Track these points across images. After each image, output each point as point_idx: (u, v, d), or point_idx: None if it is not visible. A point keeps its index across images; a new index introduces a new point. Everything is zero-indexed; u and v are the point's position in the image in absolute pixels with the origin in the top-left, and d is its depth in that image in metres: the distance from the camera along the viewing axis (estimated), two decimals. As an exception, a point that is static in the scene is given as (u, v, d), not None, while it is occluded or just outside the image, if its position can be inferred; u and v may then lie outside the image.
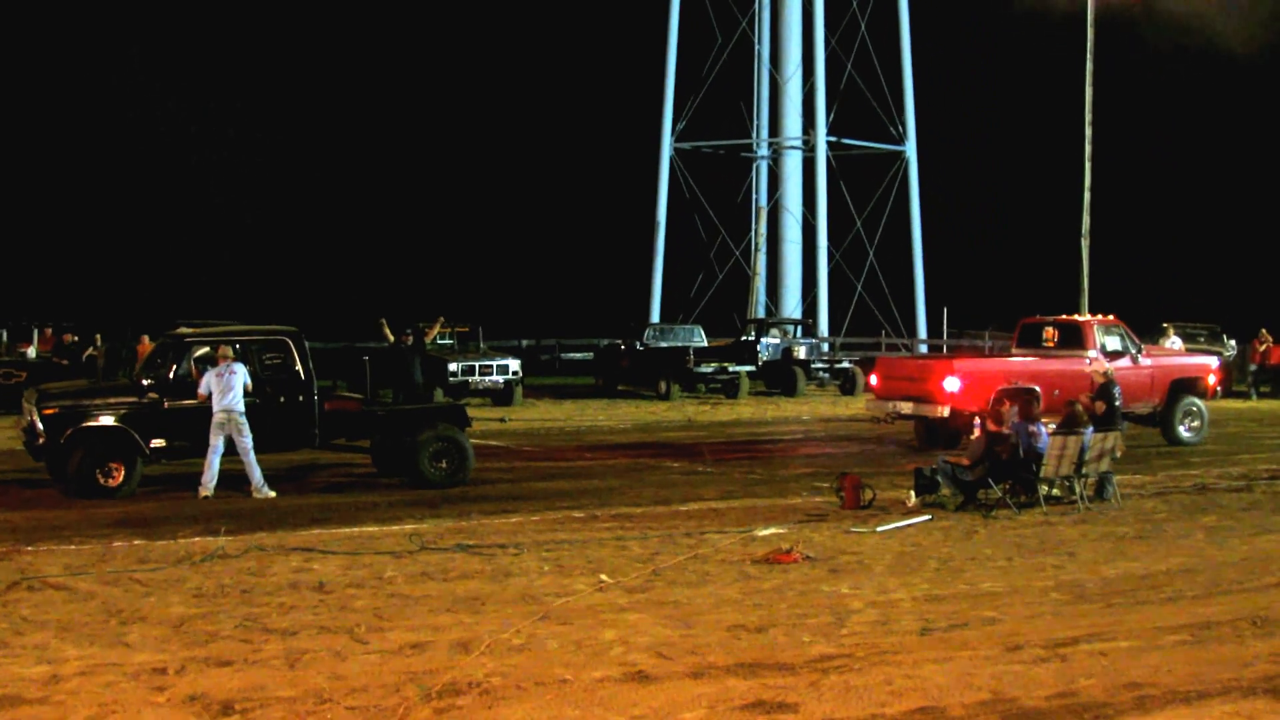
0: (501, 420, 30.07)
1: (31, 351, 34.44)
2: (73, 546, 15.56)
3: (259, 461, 20.02)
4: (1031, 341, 28.98)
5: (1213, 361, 30.28)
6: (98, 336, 34.37)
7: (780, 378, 43.22)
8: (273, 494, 19.93)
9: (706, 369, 41.08)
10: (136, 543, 15.83)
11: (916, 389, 26.65)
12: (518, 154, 70.62)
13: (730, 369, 41.20)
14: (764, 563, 14.72)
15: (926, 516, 17.92)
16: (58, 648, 10.99)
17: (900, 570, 14.48)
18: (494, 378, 36.65)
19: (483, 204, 70.14)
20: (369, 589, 13.30)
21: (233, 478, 20.07)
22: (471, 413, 23.02)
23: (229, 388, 19.66)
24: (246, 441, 19.77)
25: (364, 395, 23.96)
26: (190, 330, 20.96)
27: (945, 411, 25.83)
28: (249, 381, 19.90)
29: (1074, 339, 28.04)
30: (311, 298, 56.79)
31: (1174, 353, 32.31)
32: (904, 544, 16.11)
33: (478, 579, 13.84)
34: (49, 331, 35.20)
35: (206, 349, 20.41)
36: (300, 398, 20.82)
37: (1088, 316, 29.97)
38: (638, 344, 42.51)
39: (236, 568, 14.29)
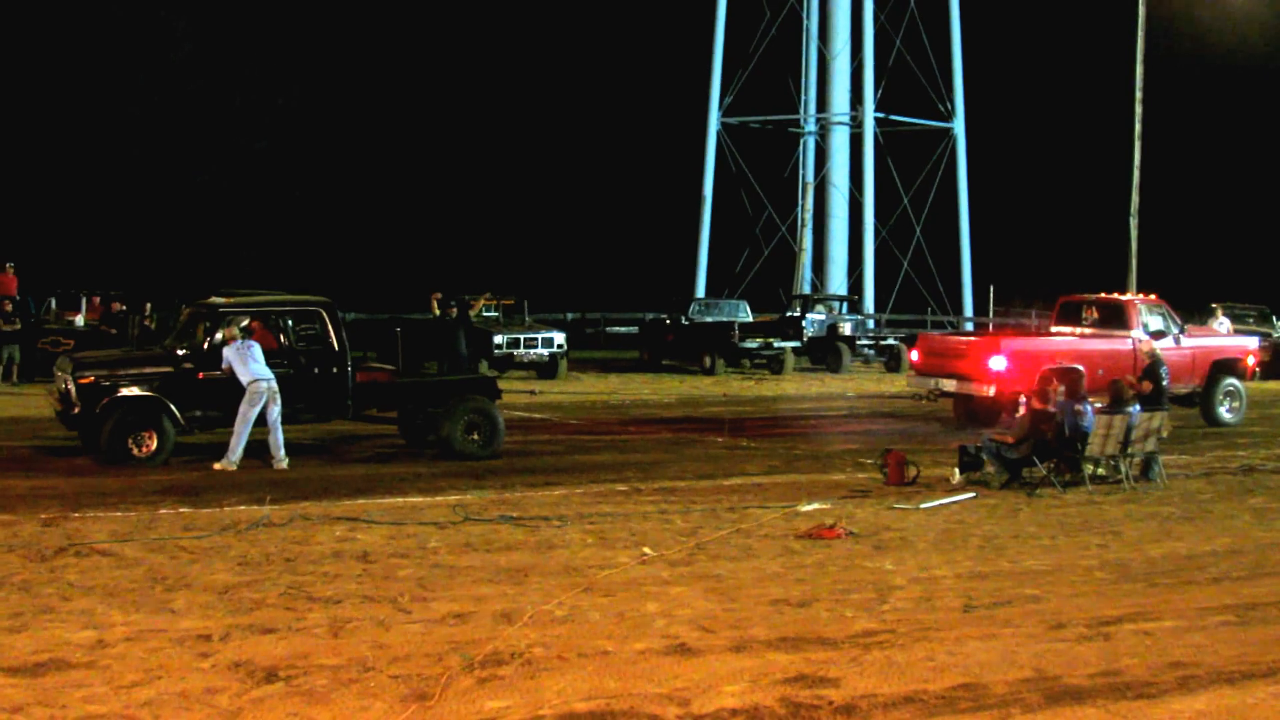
0: (531, 393, 30.02)
1: (79, 320, 34.49)
2: (119, 513, 15.66)
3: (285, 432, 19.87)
4: (1071, 320, 28.76)
5: (1252, 342, 30.12)
6: (147, 305, 34.36)
7: (825, 354, 43.08)
8: (286, 465, 19.66)
9: (751, 344, 40.93)
10: (183, 510, 15.94)
11: (961, 367, 26.43)
12: (565, 128, 70.63)
13: (775, 344, 41.04)
14: (807, 538, 14.73)
15: (970, 494, 17.89)
16: (104, 613, 11.08)
17: (943, 547, 14.47)
18: (539, 350, 36.63)
19: (530, 178, 70.09)
20: (413, 559, 13.37)
21: (253, 448, 19.82)
22: (500, 385, 22.94)
23: (254, 358, 19.50)
24: (278, 410, 19.62)
25: (395, 366, 23.83)
26: (223, 300, 20.80)
27: (990, 390, 25.62)
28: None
29: (1116, 318, 27.82)
30: (358, 269, 56.88)
31: (1213, 333, 32.10)
32: (948, 521, 16.10)
33: (521, 550, 13.89)
34: (97, 300, 35.25)
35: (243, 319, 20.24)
36: (334, 369, 20.75)
37: (1130, 295, 29.72)
38: (683, 318, 42.48)
39: (281, 536, 14.37)
